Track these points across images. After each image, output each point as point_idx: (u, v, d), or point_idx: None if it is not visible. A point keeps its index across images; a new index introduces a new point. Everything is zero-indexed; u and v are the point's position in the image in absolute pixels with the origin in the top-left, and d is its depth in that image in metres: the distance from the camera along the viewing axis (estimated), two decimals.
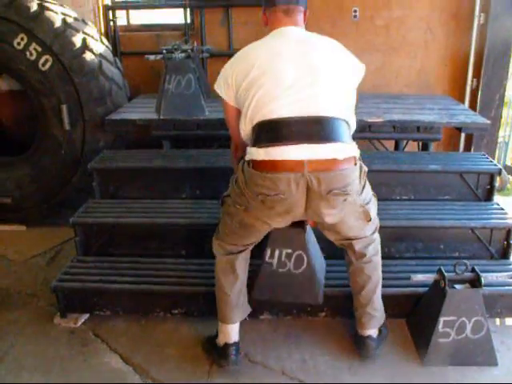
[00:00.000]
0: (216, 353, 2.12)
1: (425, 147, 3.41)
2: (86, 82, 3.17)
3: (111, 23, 4.05)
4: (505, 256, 2.63)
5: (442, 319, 2.07)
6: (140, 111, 3.35)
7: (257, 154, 1.84)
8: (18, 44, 3.06)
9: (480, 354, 2.10)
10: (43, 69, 3.10)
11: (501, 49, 3.71)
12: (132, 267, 2.53)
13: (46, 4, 3.18)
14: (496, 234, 2.60)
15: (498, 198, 2.92)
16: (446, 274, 2.09)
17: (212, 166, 2.88)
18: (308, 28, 2.11)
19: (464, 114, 3.20)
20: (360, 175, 1.93)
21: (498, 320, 2.40)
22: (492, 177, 2.81)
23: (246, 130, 1.94)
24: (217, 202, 2.66)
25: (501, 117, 3.96)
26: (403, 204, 2.78)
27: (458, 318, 2.07)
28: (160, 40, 3.95)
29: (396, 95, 3.76)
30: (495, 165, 2.89)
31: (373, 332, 2.13)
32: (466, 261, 2.13)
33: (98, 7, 3.99)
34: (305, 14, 2.02)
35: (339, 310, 2.36)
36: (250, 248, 2.14)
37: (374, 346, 2.12)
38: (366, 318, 2.11)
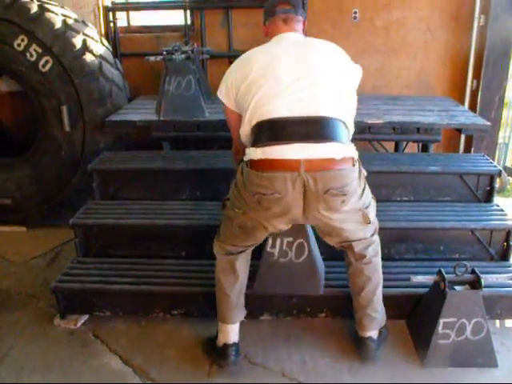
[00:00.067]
0: (215, 353, 2.13)
1: (425, 148, 3.42)
2: (86, 83, 3.17)
3: (111, 24, 4.05)
4: (505, 257, 2.62)
5: (441, 320, 2.07)
6: (140, 112, 3.35)
7: (254, 153, 1.85)
8: (19, 45, 3.07)
9: (480, 355, 2.10)
10: (43, 70, 3.10)
11: (501, 50, 3.72)
12: (132, 268, 2.53)
13: (47, 5, 3.19)
14: (496, 235, 2.60)
15: (497, 200, 2.92)
16: (445, 275, 2.09)
17: (212, 168, 2.89)
18: (309, 29, 2.14)
19: (464, 116, 3.20)
20: (359, 178, 1.93)
21: (497, 321, 2.39)
22: (492, 178, 2.81)
23: (245, 131, 1.96)
24: (217, 204, 2.68)
25: (501, 118, 3.96)
26: (403, 205, 2.78)
27: (457, 319, 2.07)
28: (160, 41, 3.95)
29: (396, 96, 3.77)
30: (495, 166, 2.90)
31: (373, 333, 2.13)
32: (465, 262, 2.13)
33: (99, 8, 3.99)
34: (304, 24, 2.09)
35: (339, 310, 2.36)
36: (251, 249, 2.14)
37: (375, 348, 2.12)
38: (367, 320, 2.11)
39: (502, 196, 3.85)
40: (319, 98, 1.84)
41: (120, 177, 2.93)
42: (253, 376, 2.09)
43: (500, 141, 4.10)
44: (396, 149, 3.67)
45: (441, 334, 2.08)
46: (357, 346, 2.17)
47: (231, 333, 2.12)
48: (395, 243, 2.62)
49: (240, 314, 2.16)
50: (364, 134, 3.08)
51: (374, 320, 2.11)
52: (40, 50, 3.07)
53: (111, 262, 2.60)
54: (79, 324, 2.41)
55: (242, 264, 2.12)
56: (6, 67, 3.19)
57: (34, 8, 3.10)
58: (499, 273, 2.35)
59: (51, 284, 2.41)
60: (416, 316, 2.31)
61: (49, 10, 3.15)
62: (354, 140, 1.98)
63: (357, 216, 1.96)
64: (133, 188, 2.92)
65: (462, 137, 3.95)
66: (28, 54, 3.07)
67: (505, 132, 4.19)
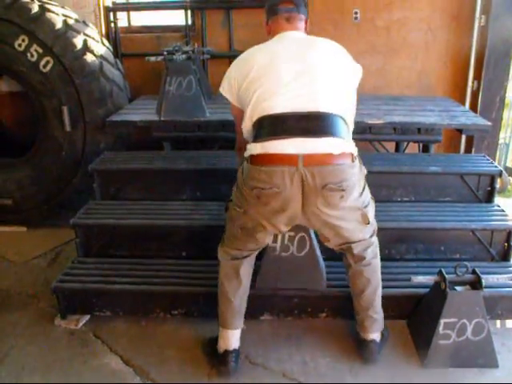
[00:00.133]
0: (216, 359, 2.12)
1: (425, 149, 3.41)
2: (87, 83, 3.17)
3: (112, 25, 4.05)
4: (505, 258, 2.62)
5: (442, 321, 2.06)
6: (141, 112, 3.35)
7: (254, 148, 1.88)
8: (19, 45, 3.07)
9: (481, 355, 2.10)
10: (44, 70, 3.10)
11: (501, 50, 3.71)
12: (132, 268, 2.53)
13: (47, 5, 3.19)
14: (497, 235, 2.60)
15: (498, 200, 2.92)
16: (446, 275, 2.08)
17: (213, 168, 2.89)
18: (310, 29, 2.15)
19: (465, 116, 3.19)
20: (359, 175, 1.94)
21: (498, 322, 2.39)
22: (493, 178, 2.81)
23: (247, 126, 1.98)
24: (217, 204, 2.69)
25: (501, 118, 3.96)
26: (404, 205, 2.78)
27: (458, 319, 2.07)
28: (161, 41, 3.95)
29: (397, 97, 3.76)
30: (496, 166, 2.90)
31: (376, 336, 2.13)
32: (466, 262, 2.12)
33: (99, 9, 3.99)
34: (306, 23, 2.11)
35: (340, 310, 2.36)
36: (255, 254, 2.13)
37: (377, 350, 2.12)
38: (369, 322, 2.11)
39: (503, 196, 3.85)
40: (319, 95, 1.86)
41: (121, 177, 2.93)
42: (253, 376, 2.09)
43: (501, 141, 4.10)
44: (397, 149, 3.67)
45: (441, 335, 2.08)
46: (359, 348, 2.16)
47: (232, 339, 2.11)
48: (396, 243, 2.62)
49: (241, 320, 2.14)
50: (365, 134, 3.08)
51: (376, 322, 2.11)
52: (41, 51, 3.07)
53: (112, 262, 2.60)
54: (80, 324, 2.41)
55: (246, 269, 2.11)
56: (6, 67, 3.19)
57: (35, 8, 3.10)
58: (500, 273, 2.35)
59: (52, 284, 2.41)
60: (416, 316, 2.31)
61: (49, 10, 3.16)
62: (354, 140, 1.98)
63: (356, 215, 1.95)
64: (133, 188, 2.92)
65: (463, 137, 3.95)
66: (29, 55, 3.08)
67: (506, 132, 4.20)
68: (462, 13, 3.79)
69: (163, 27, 4.21)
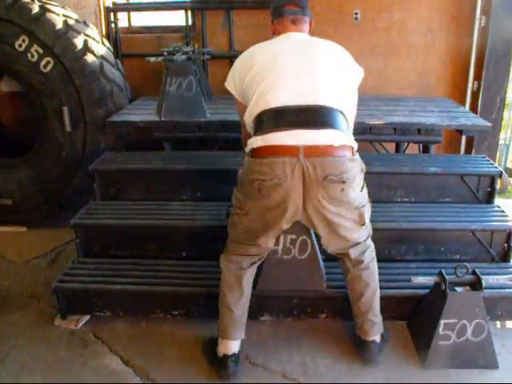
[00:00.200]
0: (215, 362, 2.11)
1: (425, 149, 3.42)
2: (87, 83, 3.17)
3: (112, 25, 4.05)
4: (505, 258, 2.62)
5: (442, 322, 2.06)
6: (141, 113, 3.35)
7: (255, 141, 1.90)
8: (20, 46, 3.07)
9: (481, 356, 2.10)
10: (44, 70, 3.10)
11: (502, 51, 3.71)
12: (132, 268, 2.53)
13: (48, 6, 3.19)
14: (497, 236, 2.60)
15: (498, 201, 2.91)
16: (446, 276, 2.08)
17: (213, 168, 2.89)
18: (311, 30, 2.16)
19: (465, 117, 3.19)
20: (359, 168, 1.95)
21: (498, 323, 2.39)
22: (493, 179, 2.81)
23: (249, 120, 2.00)
24: (218, 204, 2.69)
25: (502, 119, 3.95)
26: (404, 206, 2.78)
27: (458, 320, 2.07)
28: (161, 42, 3.95)
29: (397, 97, 3.76)
30: (496, 167, 2.90)
31: (376, 337, 2.12)
32: (466, 263, 2.12)
33: (100, 9, 3.99)
34: (310, 24, 2.18)
35: (340, 311, 2.36)
36: (256, 265, 2.13)
37: (378, 351, 2.12)
38: (369, 325, 2.11)
39: (503, 197, 3.85)
40: (319, 90, 1.91)
41: (121, 177, 2.93)
42: (253, 377, 2.09)
43: (501, 142, 4.10)
44: (397, 150, 3.67)
45: (441, 335, 2.08)
46: (359, 349, 2.16)
47: (231, 346, 2.09)
48: (396, 244, 2.62)
49: (242, 331, 2.11)
50: (365, 134, 3.08)
51: (376, 325, 2.11)
52: (41, 51, 3.07)
53: (112, 263, 2.60)
54: (80, 324, 2.41)
55: (249, 280, 2.11)
56: (7, 68, 3.19)
57: (36, 8, 3.10)
58: (500, 274, 2.35)
59: (52, 284, 2.41)
60: (417, 317, 2.31)
61: (50, 11, 3.16)
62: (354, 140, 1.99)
63: (353, 214, 1.97)
64: (134, 188, 2.92)
65: (463, 138, 3.94)
66: (29, 55, 3.08)
67: (506, 133, 4.19)
68: (462, 13, 3.79)
69: (163, 28, 4.21)
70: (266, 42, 2.10)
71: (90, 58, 3.21)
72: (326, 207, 1.89)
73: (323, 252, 2.33)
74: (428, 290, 2.26)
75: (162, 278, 2.44)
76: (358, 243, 2.06)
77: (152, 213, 2.73)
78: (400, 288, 2.34)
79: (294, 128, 1.85)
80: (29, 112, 3.47)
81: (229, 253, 2.10)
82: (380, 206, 2.68)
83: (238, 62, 2.11)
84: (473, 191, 2.82)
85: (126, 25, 4.25)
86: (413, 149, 3.74)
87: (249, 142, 1.96)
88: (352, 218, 1.97)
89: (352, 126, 2.06)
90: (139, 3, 4.47)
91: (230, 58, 3.92)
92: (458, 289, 2.09)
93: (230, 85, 2.13)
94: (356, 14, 3.85)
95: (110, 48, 3.63)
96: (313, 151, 1.83)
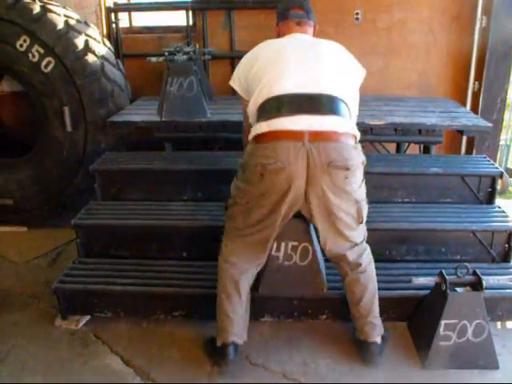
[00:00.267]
0: (215, 353, 2.11)
1: (426, 150, 3.42)
2: (88, 83, 3.17)
3: (113, 25, 4.05)
4: (506, 259, 2.62)
5: (443, 322, 2.06)
6: (142, 113, 3.35)
7: (259, 127, 1.92)
8: (21, 46, 3.07)
9: (481, 357, 2.10)
10: (45, 70, 3.10)
11: (503, 51, 3.71)
12: (133, 269, 2.53)
13: (49, 6, 3.19)
14: (497, 237, 2.60)
15: (499, 201, 2.92)
16: (447, 276, 2.08)
17: (214, 168, 2.89)
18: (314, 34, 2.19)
19: (466, 117, 3.19)
20: (361, 157, 1.97)
21: (499, 323, 2.39)
22: (493, 180, 2.81)
23: (253, 110, 2.02)
24: (218, 205, 2.68)
25: (502, 120, 3.95)
26: (405, 207, 2.78)
27: (459, 321, 2.07)
28: (162, 42, 3.95)
29: (397, 98, 3.76)
30: (497, 168, 2.90)
31: (377, 339, 2.12)
32: (467, 264, 2.12)
33: (101, 9, 3.99)
34: (314, 29, 2.24)
35: (340, 312, 2.36)
36: (253, 270, 2.12)
37: (379, 352, 2.12)
38: (369, 327, 2.10)
39: (504, 198, 3.85)
40: (323, 80, 1.95)
41: (122, 177, 2.93)
42: (254, 377, 2.09)
43: (502, 142, 4.10)
44: (397, 150, 3.68)
45: (442, 336, 2.08)
46: (360, 350, 2.16)
47: (230, 336, 2.08)
48: (396, 244, 2.62)
49: (243, 334, 2.10)
50: (366, 135, 3.07)
51: (377, 327, 2.11)
52: (42, 51, 3.08)
53: (112, 263, 2.60)
54: (80, 325, 2.41)
55: (246, 286, 2.10)
56: (8, 68, 3.19)
57: (37, 9, 3.10)
58: (500, 274, 2.35)
59: (52, 284, 2.41)
60: (417, 318, 2.31)
61: (51, 11, 3.16)
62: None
63: (353, 209, 1.97)
64: (134, 189, 2.92)
65: (464, 138, 3.94)
66: (30, 55, 3.08)
67: (506, 134, 4.20)
68: (463, 14, 3.79)
69: (164, 28, 4.21)
70: (270, 40, 2.15)
71: (90, 58, 3.21)
72: (328, 196, 1.89)
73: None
74: (428, 291, 2.26)
75: (163, 279, 2.44)
76: (356, 244, 2.06)
77: (153, 213, 2.73)
78: (400, 289, 2.34)
79: (299, 114, 1.88)
80: (29, 112, 3.47)
81: (226, 254, 2.10)
82: (381, 206, 2.69)
83: (242, 61, 2.16)
84: (473, 192, 2.82)
85: (127, 25, 4.25)
86: (413, 149, 3.74)
87: (252, 129, 1.97)
88: (351, 213, 1.98)
89: (356, 114, 2.10)
90: (140, 3, 4.46)
91: (231, 59, 3.93)
92: (459, 289, 2.09)
93: (235, 82, 2.17)
94: (357, 14, 3.84)
95: (111, 48, 3.64)
96: (318, 136, 1.85)
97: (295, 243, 2.18)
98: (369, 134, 3.10)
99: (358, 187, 1.97)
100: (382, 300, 2.14)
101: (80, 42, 3.19)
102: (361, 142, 2.04)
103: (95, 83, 3.21)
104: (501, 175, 2.81)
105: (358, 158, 1.93)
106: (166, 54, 3.16)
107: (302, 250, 2.19)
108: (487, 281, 2.08)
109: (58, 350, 2.26)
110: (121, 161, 3.02)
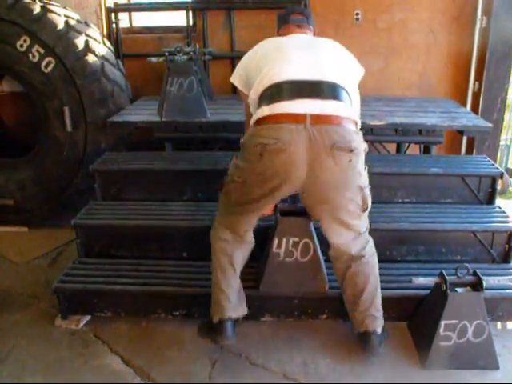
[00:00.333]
0: (212, 332, 2.10)
1: (426, 150, 3.42)
2: (89, 83, 3.18)
3: (114, 25, 4.05)
4: (506, 259, 2.62)
5: (443, 322, 2.06)
6: (142, 113, 3.35)
7: (261, 112, 1.92)
8: (21, 46, 3.07)
9: (481, 357, 2.10)
10: (46, 71, 3.10)
11: (503, 51, 3.71)
12: (133, 269, 2.53)
13: (49, 6, 3.20)
14: (498, 237, 2.60)
15: (499, 202, 2.91)
16: (447, 277, 2.08)
17: (214, 169, 2.88)
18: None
19: (466, 117, 3.19)
20: (362, 144, 1.97)
21: (499, 323, 2.39)
22: (494, 180, 2.81)
23: (255, 98, 2.03)
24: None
25: (503, 120, 3.95)
26: (405, 207, 2.78)
27: (459, 321, 2.07)
28: (162, 42, 3.96)
29: (398, 98, 3.77)
30: (497, 168, 2.90)
31: (378, 329, 2.11)
32: (467, 264, 2.12)
33: (101, 9, 3.99)
34: (313, 33, 2.28)
35: (340, 311, 2.35)
36: (248, 245, 2.13)
37: (379, 342, 2.11)
38: (370, 319, 2.10)
39: (504, 198, 3.84)
40: (324, 69, 1.96)
41: (122, 177, 2.93)
42: (254, 377, 2.09)
43: (502, 143, 4.10)
44: (398, 150, 3.68)
45: (442, 336, 2.08)
46: (360, 342, 2.14)
47: (227, 311, 2.07)
48: (397, 245, 2.62)
49: (241, 307, 2.13)
50: (366, 135, 3.04)
51: (377, 319, 2.11)
52: (42, 51, 3.08)
53: (113, 263, 2.60)
54: (81, 325, 2.41)
55: (240, 260, 2.12)
56: (8, 68, 3.19)
57: (37, 9, 3.10)
58: (501, 275, 2.35)
59: (53, 284, 2.41)
60: (417, 318, 2.31)
61: (51, 11, 3.16)
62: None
63: (358, 196, 1.96)
64: (134, 189, 2.92)
65: (464, 138, 3.94)
66: (30, 55, 3.08)
67: (507, 134, 4.20)
68: (463, 14, 3.79)
69: (165, 28, 4.21)
70: (271, 38, 2.18)
71: (91, 58, 3.21)
72: (331, 181, 1.89)
73: (325, 246, 2.34)
74: (429, 291, 2.25)
75: (163, 279, 2.44)
76: (359, 234, 2.05)
77: (153, 213, 2.73)
78: (401, 289, 2.34)
79: (300, 98, 1.88)
80: (30, 112, 3.47)
81: (219, 229, 2.11)
82: (381, 206, 2.69)
83: (243, 59, 2.19)
84: (474, 192, 2.82)
85: (127, 25, 4.25)
86: (414, 149, 3.74)
87: (254, 114, 1.98)
88: (355, 199, 1.96)
89: (358, 107, 2.12)
90: (140, 3, 4.47)
91: (231, 59, 3.93)
92: (459, 289, 2.09)
93: (235, 78, 2.20)
94: (357, 14, 3.85)
95: (111, 48, 3.64)
96: (319, 119, 1.85)
97: (296, 239, 2.19)
98: (369, 135, 3.09)
99: (362, 171, 1.97)
100: (382, 300, 2.14)
101: (80, 42, 3.19)
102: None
103: (95, 83, 3.21)
104: (501, 175, 2.81)
105: (360, 143, 1.93)
106: (167, 54, 3.16)
107: (304, 246, 2.20)
108: (487, 281, 2.08)
109: (58, 349, 2.26)
110: (121, 161, 3.02)
